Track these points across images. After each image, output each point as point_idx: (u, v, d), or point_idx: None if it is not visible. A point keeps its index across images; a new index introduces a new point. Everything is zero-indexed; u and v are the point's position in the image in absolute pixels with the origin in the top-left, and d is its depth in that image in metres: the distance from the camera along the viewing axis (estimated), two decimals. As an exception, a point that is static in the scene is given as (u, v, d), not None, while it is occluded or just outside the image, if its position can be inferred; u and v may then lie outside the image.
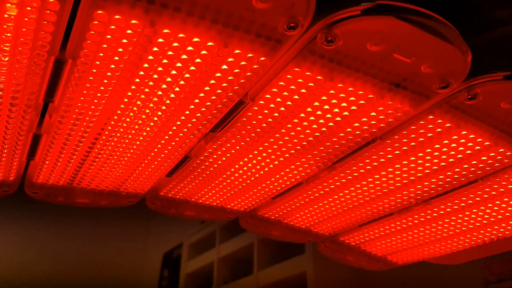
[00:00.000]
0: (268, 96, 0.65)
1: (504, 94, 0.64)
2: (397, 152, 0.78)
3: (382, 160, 0.80)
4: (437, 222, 0.99)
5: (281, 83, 0.63)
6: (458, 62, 0.58)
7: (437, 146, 0.75)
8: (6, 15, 0.46)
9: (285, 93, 0.65)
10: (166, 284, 4.33)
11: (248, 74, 0.60)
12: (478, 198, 0.88)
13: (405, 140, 0.75)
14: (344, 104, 0.66)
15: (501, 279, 1.87)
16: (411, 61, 0.58)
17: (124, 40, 0.52)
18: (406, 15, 0.53)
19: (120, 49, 0.54)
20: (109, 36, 0.52)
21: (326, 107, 0.67)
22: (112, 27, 0.50)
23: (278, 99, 0.66)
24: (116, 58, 0.55)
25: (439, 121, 0.70)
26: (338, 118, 0.69)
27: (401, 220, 1.01)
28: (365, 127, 0.71)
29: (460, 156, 0.77)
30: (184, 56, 0.56)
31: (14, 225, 3.48)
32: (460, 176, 0.83)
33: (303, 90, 0.63)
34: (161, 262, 4.38)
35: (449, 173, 0.82)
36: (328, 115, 0.69)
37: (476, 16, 0.79)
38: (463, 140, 0.73)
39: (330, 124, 0.71)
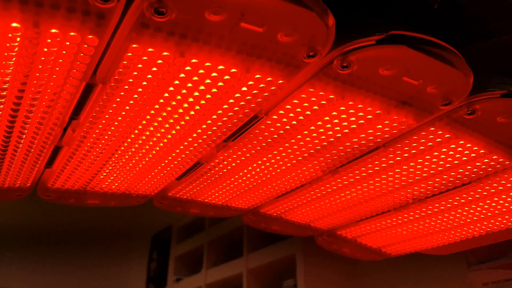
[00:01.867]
0: (281, 112, 0.69)
1: (501, 110, 0.69)
2: (398, 158, 0.83)
3: (384, 165, 0.85)
4: (430, 219, 1.05)
5: (295, 101, 0.66)
6: (461, 84, 0.63)
7: (436, 153, 0.80)
8: (45, 49, 0.49)
9: (298, 109, 0.69)
10: (155, 266, 4.38)
11: (266, 94, 0.63)
12: (470, 198, 0.94)
13: (406, 148, 0.80)
14: (352, 119, 0.70)
15: (483, 260, 1.96)
16: (418, 83, 0.62)
17: (154, 69, 0.55)
18: (417, 45, 0.57)
19: (149, 76, 0.57)
20: (140, 66, 0.55)
21: (336, 121, 0.71)
22: (144, 58, 0.53)
23: (291, 114, 0.70)
24: (145, 83, 0.58)
25: (439, 132, 0.74)
26: (346, 130, 0.74)
27: (396, 216, 1.07)
28: (370, 138, 0.76)
29: (456, 162, 0.82)
30: (207, 81, 0.59)
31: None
32: (455, 179, 0.88)
33: (316, 107, 0.67)
34: (149, 245, 4.42)
35: (445, 176, 0.87)
36: (337, 128, 0.73)
37: (475, 26, 0.84)
38: (460, 149, 0.78)
39: (338, 135, 0.75)
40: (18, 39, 0.47)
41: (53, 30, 0.47)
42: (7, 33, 0.46)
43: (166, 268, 4.08)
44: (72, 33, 0.47)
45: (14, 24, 0.45)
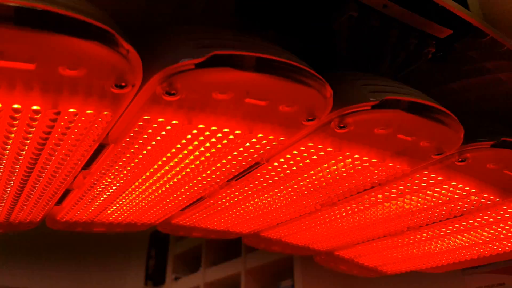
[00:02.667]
0: (282, 160, 0.73)
1: (490, 158, 0.73)
2: (393, 195, 0.86)
3: (379, 200, 0.89)
4: (424, 244, 1.09)
5: (295, 151, 0.70)
6: (452, 139, 0.66)
7: (429, 192, 0.84)
8: (62, 123, 0.52)
9: (298, 158, 0.72)
10: (154, 263, 4.42)
11: (268, 148, 0.67)
12: (462, 227, 0.98)
13: (401, 187, 0.83)
14: (350, 166, 0.74)
15: (477, 265, 2.01)
16: (412, 139, 0.66)
17: (163, 133, 0.59)
18: (411, 108, 0.60)
19: (158, 138, 0.60)
20: (150, 131, 0.58)
21: (334, 167, 0.75)
22: (155, 125, 0.57)
23: (291, 162, 0.73)
24: (153, 143, 0.62)
25: (433, 175, 0.78)
26: (344, 175, 0.77)
27: (392, 241, 1.11)
28: (368, 179, 0.80)
29: (448, 199, 0.86)
30: (213, 140, 0.63)
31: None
32: (447, 212, 0.92)
33: (314, 157, 0.71)
34: (148, 242, 4.46)
35: (437, 210, 0.91)
36: (335, 173, 0.77)
37: (466, 65, 0.87)
38: (452, 188, 0.82)
39: (336, 178, 0.79)
40: (38, 116, 0.50)
41: (71, 110, 0.50)
42: (28, 113, 0.49)
43: (164, 266, 4.11)
44: (88, 111, 0.51)
45: (35, 107, 0.48)
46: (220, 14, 0.74)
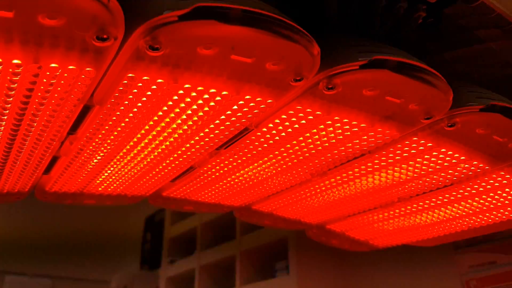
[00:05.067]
0: (270, 125, 0.72)
1: (479, 122, 0.73)
2: (383, 163, 0.86)
3: (370, 169, 0.89)
4: (415, 215, 1.10)
5: (284, 116, 0.69)
6: (441, 101, 0.66)
7: (419, 159, 0.84)
8: (45, 80, 0.52)
9: (287, 123, 0.72)
10: (149, 247, 4.43)
11: (256, 111, 0.66)
12: (452, 198, 0.99)
13: (391, 155, 0.83)
14: (339, 131, 0.74)
15: (470, 244, 2.03)
16: (401, 102, 0.65)
17: (149, 93, 0.58)
18: (399, 68, 0.60)
19: (144, 98, 0.60)
20: (135, 91, 0.57)
21: (323, 133, 0.74)
22: (140, 84, 0.56)
23: (280, 127, 0.73)
24: (139, 104, 0.61)
25: (422, 141, 0.78)
26: (332, 141, 0.77)
27: (383, 213, 1.11)
28: (356, 146, 0.79)
29: (438, 167, 0.86)
30: (200, 101, 0.62)
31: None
32: (437, 181, 0.92)
33: (303, 121, 0.71)
34: (143, 226, 4.47)
35: (428, 179, 0.91)
36: (324, 139, 0.76)
37: (457, 35, 0.87)
38: (442, 156, 0.82)
39: (325, 145, 0.78)
40: (20, 70, 0.49)
41: (53, 65, 0.49)
42: (9, 68, 0.48)
43: (160, 249, 4.13)
44: (70, 67, 0.50)
45: (16, 61, 0.47)
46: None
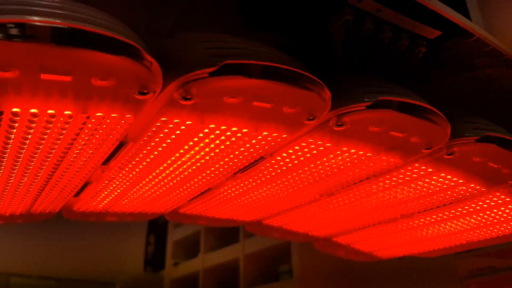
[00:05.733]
0: (284, 154, 0.79)
1: (476, 151, 0.80)
2: (387, 186, 0.93)
3: (374, 190, 0.96)
4: (416, 231, 1.16)
5: (297, 147, 0.76)
6: (440, 135, 0.73)
7: (420, 182, 0.91)
8: (90, 125, 0.59)
9: (299, 153, 0.78)
10: (153, 249, 4.48)
11: (272, 144, 0.73)
12: (451, 215, 1.05)
13: (394, 179, 0.90)
14: (347, 159, 0.80)
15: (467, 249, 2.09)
16: (403, 136, 0.72)
17: (178, 132, 0.65)
18: (403, 109, 0.67)
19: (173, 136, 0.66)
20: (166, 130, 0.64)
21: (332, 161, 0.81)
22: (171, 126, 0.63)
23: (293, 156, 0.80)
24: (168, 141, 0.68)
25: (423, 167, 0.85)
26: (341, 167, 0.84)
27: (387, 227, 1.18)
28: (363, 172, 0.86)
29: (437, 189, 0.93)
30: (222, 137, 0.69)
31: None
32: (437, 201, 0.99)
33: (314, 152, 0.77)
34: (146, 228, 4.51)
35: (428, 199, 0.98)
36: (334, 166, 0.83)
37: (455, 63, 0.93)
38: (441, 179, 0.89)
39: (334, 170, 0.85)
40: (70, 120, 0.56)
41: (98, 114, 0.56)
42: (60, 117, 0.55)
43: (163, 252, 4.17)
44: (113, 115, 0.57)
45: (67, 112, 0.54)
46: (224, 14, 0.80)
